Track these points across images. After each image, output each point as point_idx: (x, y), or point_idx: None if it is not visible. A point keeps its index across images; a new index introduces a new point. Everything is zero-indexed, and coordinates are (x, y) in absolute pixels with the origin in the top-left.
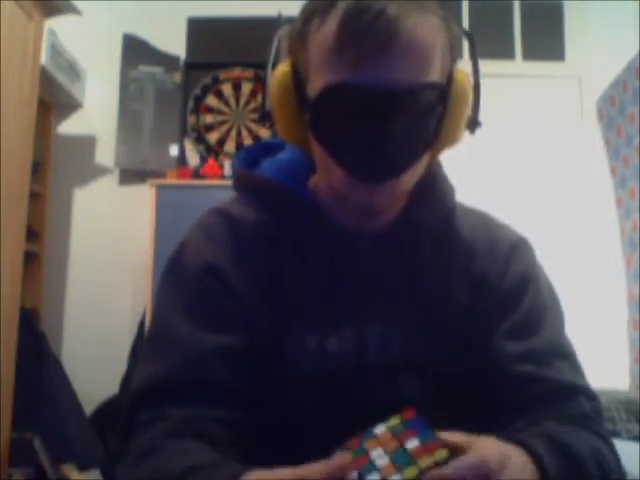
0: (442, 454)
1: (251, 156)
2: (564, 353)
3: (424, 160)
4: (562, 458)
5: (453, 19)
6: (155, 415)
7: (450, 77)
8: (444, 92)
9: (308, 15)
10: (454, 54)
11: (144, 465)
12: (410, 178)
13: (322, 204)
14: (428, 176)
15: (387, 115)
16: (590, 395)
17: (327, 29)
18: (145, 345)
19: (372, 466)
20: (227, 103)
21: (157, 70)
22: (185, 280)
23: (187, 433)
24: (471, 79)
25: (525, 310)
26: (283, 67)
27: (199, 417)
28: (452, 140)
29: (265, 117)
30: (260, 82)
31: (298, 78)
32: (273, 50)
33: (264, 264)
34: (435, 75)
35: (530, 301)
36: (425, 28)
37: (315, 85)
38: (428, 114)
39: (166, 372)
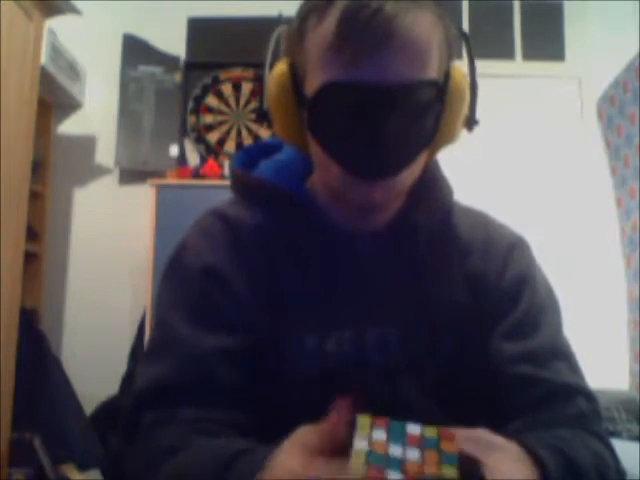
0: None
1: (249, 157)
2: (562, 354)
3: (422, 158)
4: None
5: (449, 17)
6: (163, 416)
7: (447, 75)
8: (441, 90)
9: (305, 13)
10: (451, 52)
11: (171, 461)
12: (408, 176)
13: (319, 205)
14: (426, 176)
15: (385, 113)
16: (589, 396)
17: (324, 27)
18: (147, 346)
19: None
20: (227, 103)
21: (157, 70)
22: (185, 282)
23: (202, 433)
24: (467, 77)
25: (523, 310)
26: (280, 66)
27: (207, 418)
28: (449, 138)
29: (263, 116)
30: (260, 82)
31: (295, 77)
32: (270, 49)
33: (262, 265)
34: (432, 73)
35: (528, 301)
36: (422, 26)
37: (313, 83)
38: (426, 112)
39: (169, 374)
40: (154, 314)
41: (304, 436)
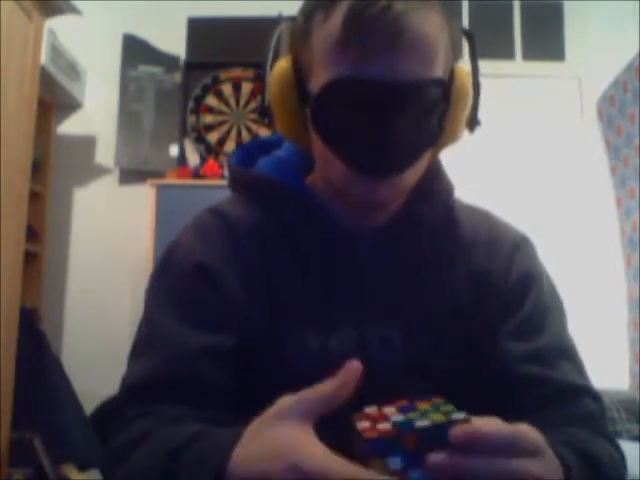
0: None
1: (247, 154)
2: (568, 354)
3: (426, 157)
4: (589, 471)
5: (454, 17)
6: (141, 412)
7: (452, 74)
8: (447, 89)
9: (311, 10)
10: (456, 52)
11: (137, 450)
12: (412, 174)
13: (319, 201)
14: (428, 173)
15: (391, 110)
16: (595, 396)
17: (332, 24)
18: (135, 342)
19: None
20: (227, 103)
21: (157, 70)
22: (175, 279)
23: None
24: (470, 78)
25: (529, 310)
26: (283, 63)
27: (186, 416)
28: (453, 138)
29: (264, 113)
30: (260, 82)
31: (299, 73)
32: (273, 46)
33: (261, 264)
34: (439, 71)
35: (534, 300)
36: (430, 25)
37: (318, 80)
38: (431, 110)
39: (154, 370)
40: (143, 309)
41: (290, 403)
